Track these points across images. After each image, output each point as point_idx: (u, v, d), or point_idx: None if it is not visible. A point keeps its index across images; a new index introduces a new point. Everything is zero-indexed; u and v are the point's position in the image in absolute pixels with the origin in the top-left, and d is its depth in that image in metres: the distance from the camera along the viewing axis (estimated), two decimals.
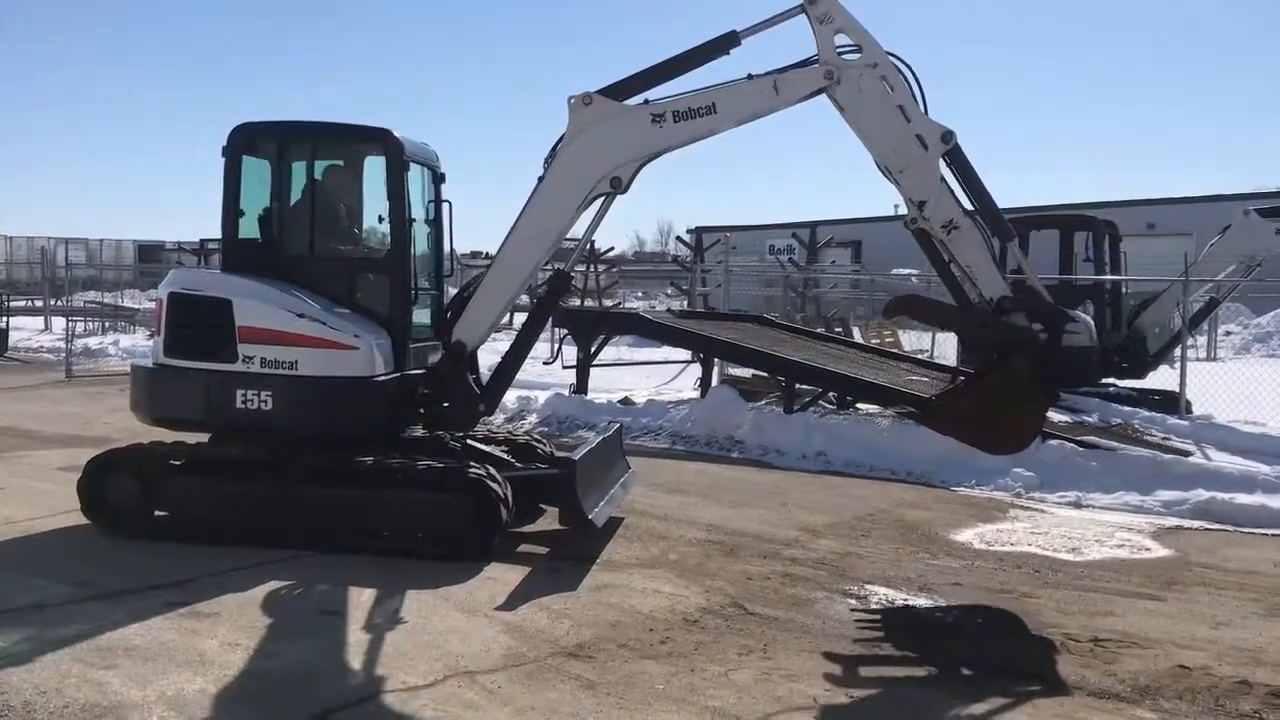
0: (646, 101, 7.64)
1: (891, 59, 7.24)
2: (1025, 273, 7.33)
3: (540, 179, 7.88)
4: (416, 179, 8.65)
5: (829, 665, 5.79)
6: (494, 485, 7.63)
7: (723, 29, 7.60)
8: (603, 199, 7.89)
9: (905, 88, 7.24)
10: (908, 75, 7.25)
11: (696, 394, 15.47)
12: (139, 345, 23.11)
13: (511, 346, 8.43)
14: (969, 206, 7.37)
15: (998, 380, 7.21)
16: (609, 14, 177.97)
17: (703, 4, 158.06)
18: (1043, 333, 7.22)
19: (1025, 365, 7.11)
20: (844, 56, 7.28)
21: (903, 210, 7.62)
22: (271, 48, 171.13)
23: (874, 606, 6.97)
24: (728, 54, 7.61)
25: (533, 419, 14.45)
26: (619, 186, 7.74)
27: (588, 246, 8.92)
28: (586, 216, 8.07)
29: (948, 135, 7.16)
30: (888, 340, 22.41)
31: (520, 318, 14.62)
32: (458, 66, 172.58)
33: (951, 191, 7.26)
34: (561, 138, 7.78)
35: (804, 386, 13.36)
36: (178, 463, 8.12)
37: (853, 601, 7.01)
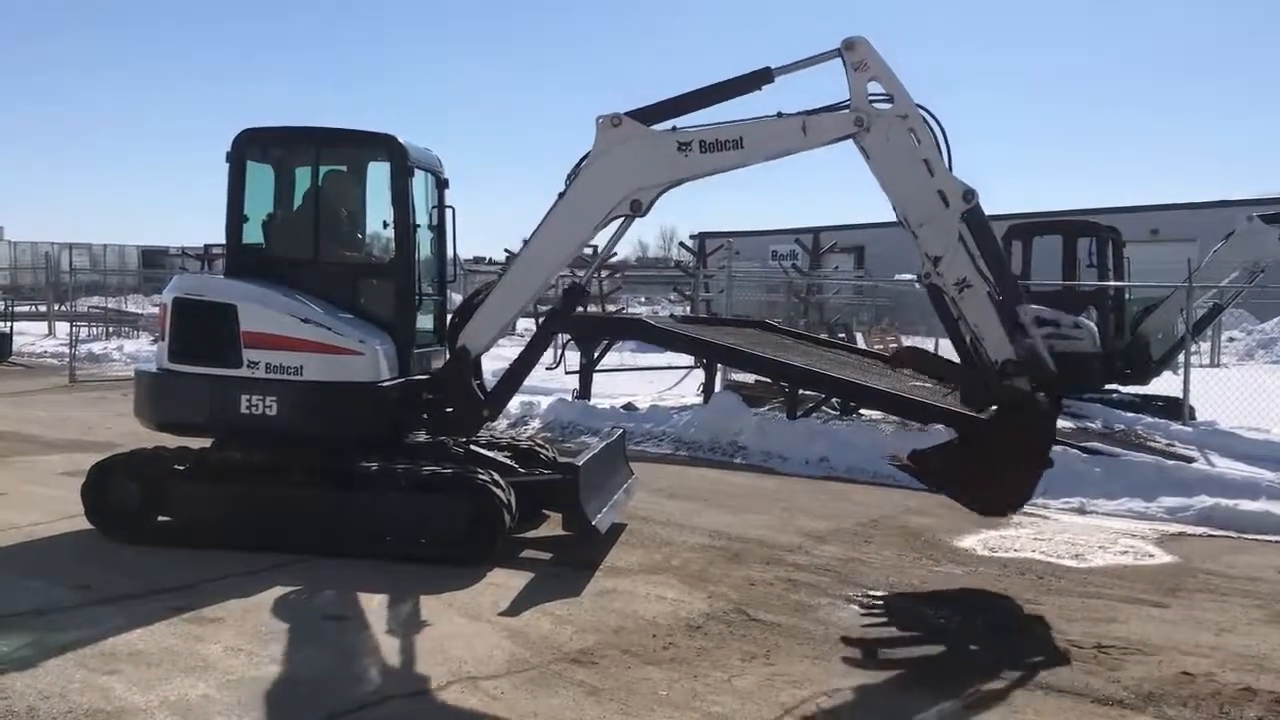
0: (675, 128, 7.57)
1: (922, 112, 7.18)
2: (1032, 337, 7.31)
3: (561, 194, 7.83)
4: (420, 185, 8.68)
5: (832, 671, 5.79)
6: (497, 490, 7.63)
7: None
8: (621, 220, 7.87)
9: (932, 142, 7.17)
10: (936, 130, 7.19)
11: (699, 399, 15.50)
12: (143, 350, 23.13)
13: (520, 354, 8.43)
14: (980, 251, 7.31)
15: (993, 442, 7.25)
16: (611, 15, 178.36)
17: (703, 8, 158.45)
18: (1044, 400, 7.20)
19: (1022, 431, 7.15)
20: (874, 104, 7.21)
21: None
22: (275, 51, 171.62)
23: (877, 613, 6.97)
24: (760, 90, 7.55)
25: (535, 424, 14.47)
26: (639, 210, 7.69)
27: (595, 255, 8.90)
28: (604, 230, 8.05)
29: (970, 194, 7.10)
30: (891, 346, 22.41)
31: (522, 324, 14.65)
32: (461, 69, 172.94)
33: (968, 250, 7.21)
34: (587, 155, 7.73)
35: (807, 392, 13.36)
36: (182, 467, 8.13)
37: (856, 608, 7.01)
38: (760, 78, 7.52)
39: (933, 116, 7.21)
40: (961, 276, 7.14)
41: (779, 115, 7.42)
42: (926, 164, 7.14)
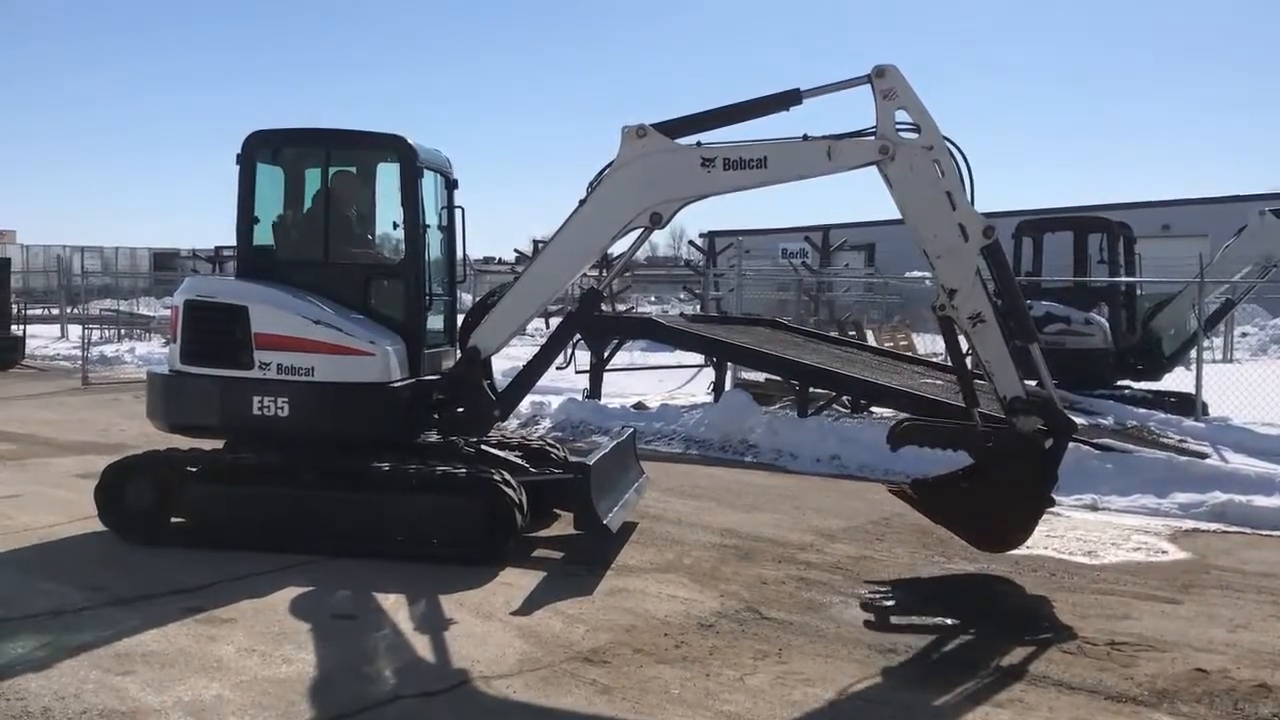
0: (699, 143, 7.54)
1: (947, 144, 7.14)
2: (1042, 377, 7.28)
3: (582, 201, 7.82)
4: (429, 185, 8.70)
5: (844, 669, 5.78)
6: (508, 490, 7.64)
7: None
8: (641, 230, 7.84)
9: (956, 174, 7.13)
10: (960, 163, 7.16)
11: (710, 398, 15.49)
12: (155, 352, 23.24)
13: (535, 355, 8.44)
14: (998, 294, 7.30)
15: (997, 481, 7.26)
16: (622, 13, 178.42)
17: (703, 9, 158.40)
18: (1049, 440, 7.20)
19: (1025, 473, 7.16)
20: (901, 133, 7.16)
21: None
22: (283, 51, 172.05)
23: (889, 610, 6.97)
24: (787, 110, 7.52)
25: (546, 424, 14.48)
26: (658, 222, 7.67)
27: (613, 259, 8.98)
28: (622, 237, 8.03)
29: (989, 230, 7.06)
30: (901, 344, 22.37)
31: (530, 324, 14.66)
32: (469, 67, 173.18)
33: (985, 285, 7.17)
34: (610, 164, 7.70)
35: (818, 390, 13.34)
36: (194, 469, 8.16)
37: (868, 605, 7.00)
38: (789, 99, 7.49)
39: (958, 149, 7.17)
40: (976, 311, 7.09)
41: (805, 138, 7.38)
42: (949, 196, 7.09)
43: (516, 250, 35.70)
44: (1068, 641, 6.28)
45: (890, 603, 7.16)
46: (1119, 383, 15.53)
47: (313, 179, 8.76)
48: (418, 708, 5.20)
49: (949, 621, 6.81)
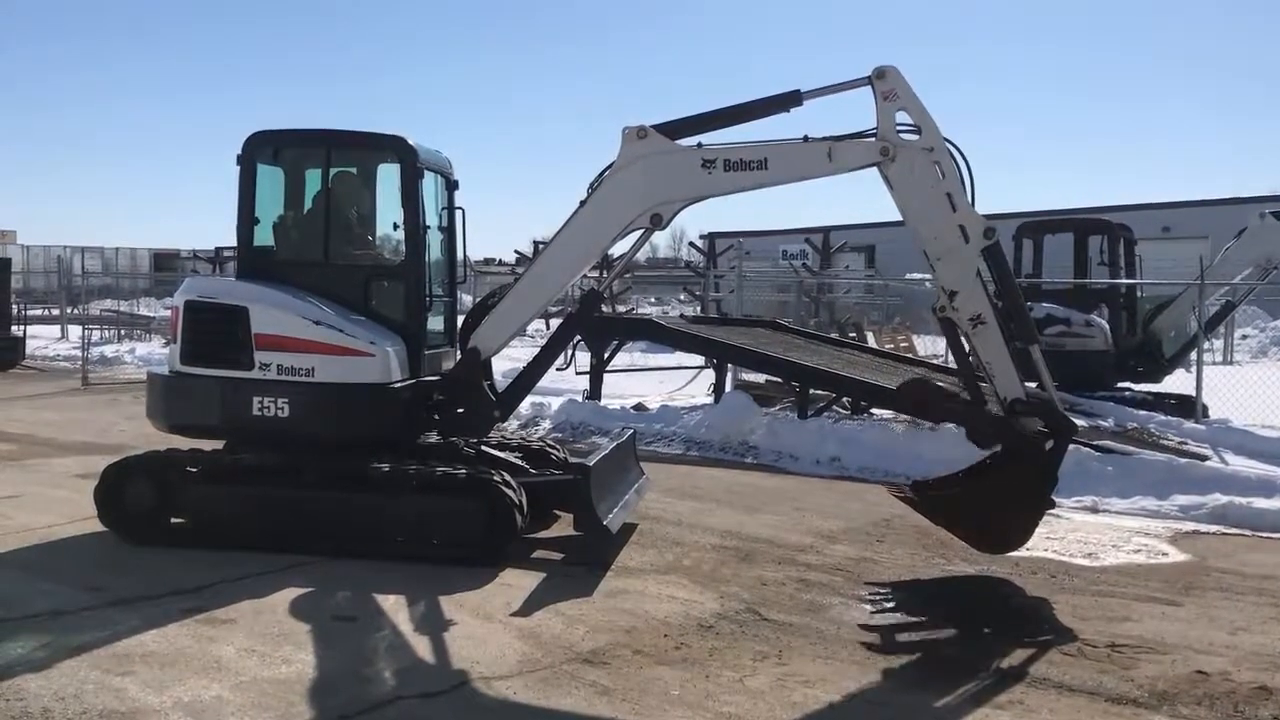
0: (700, 144, 7.54)
1: (948, 145, 7.13)
2: (1043, 379, 7.28)
3: (582, 203, 7.82)
4: (430, 186, 8.70)
5: (844, 671, 5.78)
6: (508, 491, 7.64)
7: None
8: (641, 231, 7.84)
9: (956, 175, 7.12)
10: (961, 164, 7.15)
11: (710, 399, 15.49)
12: (155, 353, 23.24)
13: (535, 357, 8.44)
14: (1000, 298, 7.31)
15: (997, 482, 7.28)
16: (614, 16, 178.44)
17: (703, 10, 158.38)
18: (1049, 442, 7.21)
19: (1026, 474, 7.16)
20: (902, 135, 7.14)
21: None
22: (284, 52, 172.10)
23: (889, 612, 6.96)
24: (788, 111, 7.53)
25: (546, 425, 14.48)
26: (659, 223, 7.67)
27: (613, 260, 9.05)
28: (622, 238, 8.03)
29: (990, 231, 7.05)
30: (902, 345, 22.36)
31: (531, 325, 14.65)
32: (468, 68, 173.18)
33: (985, 286, 7.17)
34: (610, 165, 7.69)
35: (818, 391, 13.34)
36: (194, 469, 8.15)
37: (868, 607, 7.00)
38: (790, 100, 7.50)
39: (959, 150, 7.17)
40: (977, 313, 7.09)
41: (805, 139, 7.38)
42: (949, 198, 7.08)
43: (517, 251, 35.74)
44: (1068, 643, 6.29)
45: (890, 604, 7.15)
46: (1119, 384, 15.52)
47: (313, 180, 8.76)
48: (418, 709, 5.19)
49: (949, 623, 6.81)
